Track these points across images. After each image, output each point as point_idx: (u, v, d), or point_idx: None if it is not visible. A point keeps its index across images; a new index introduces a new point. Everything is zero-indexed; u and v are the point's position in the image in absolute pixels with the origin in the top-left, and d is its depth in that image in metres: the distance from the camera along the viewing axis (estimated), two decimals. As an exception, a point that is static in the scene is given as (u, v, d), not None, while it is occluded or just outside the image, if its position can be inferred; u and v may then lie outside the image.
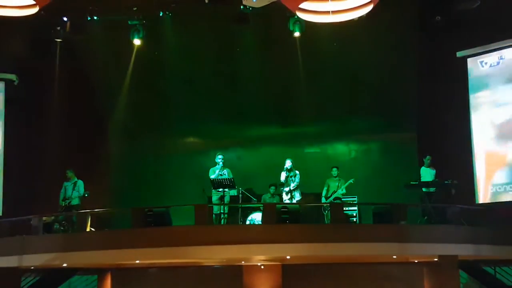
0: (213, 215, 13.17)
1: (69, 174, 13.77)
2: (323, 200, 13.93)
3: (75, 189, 13.62)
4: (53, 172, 14.28)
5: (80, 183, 13.70)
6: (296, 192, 13.59)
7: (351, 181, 13.85)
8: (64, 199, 13.60)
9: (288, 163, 13.63)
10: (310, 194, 14.81)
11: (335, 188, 13.96)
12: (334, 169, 14.16)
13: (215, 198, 13.50)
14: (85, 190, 13.64)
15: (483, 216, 13.30)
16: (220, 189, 13.27)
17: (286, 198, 13.59)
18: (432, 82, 15.57)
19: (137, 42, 15.47)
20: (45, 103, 15.95)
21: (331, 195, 13.89)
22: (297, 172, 13.68)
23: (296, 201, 13.49)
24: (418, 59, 15.37)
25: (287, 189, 13.61)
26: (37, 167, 15.38)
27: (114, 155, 17.04)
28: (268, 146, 17.19)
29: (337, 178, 14.07)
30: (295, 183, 13.58)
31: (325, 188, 14.08)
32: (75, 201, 13.57)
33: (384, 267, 13.19)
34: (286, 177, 13.58)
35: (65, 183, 13.74)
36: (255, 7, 14.09)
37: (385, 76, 15.59)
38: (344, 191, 13.92)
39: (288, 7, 8.77)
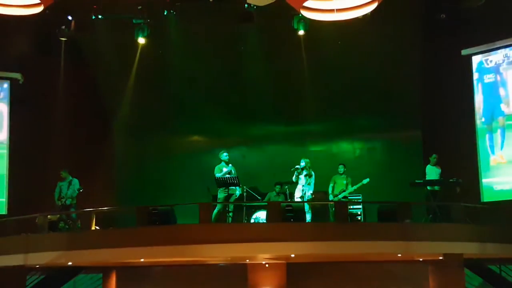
0: (217, 211, 13.12)
1: (64, 174, 13.83)
2: (331, 197, 13.89)
3: (70, 188, 13.68)
4: (58, 171, 14.28)
5: (75, 181, 13.76)
6: (308, 191, 13.50)
7: (364, 181, 13.68)
8: (60, 198, 13.66)
9: (302, 163, 13.55)
10: (314, 192, 14.80)
11: (343, 186, 13.89)
12: (341, 166, 14.05)
13: (221, 196, 13.45)
14: (80, 187, 13.73)
15: (488, 214, 13.27)
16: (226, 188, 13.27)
17: (297, 196, 13.50)
18: (437, 80, 15.55)
19: (141, 41, 15.46)
20: (50, 102, 15.97)
21: (339, 193, 13.85)
22: (312, 172, 13.52)
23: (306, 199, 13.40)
24: (423, 57, 15.34)
25: (300, 187, 13.52)
26: (42, 166, 15.41)
27: (119, 153, 17.08)
28: (272, 145, 17.19)
29: (343, 176, 14.01)
30: (310, 184, 13.48)
31: (331, 185, 14.01)
32: (69, 201, 13.62)
33: (389, 265, 13.18)
34: (296, 176, 13.50)
35: (60, 183, 13.81)
36: (259, 6, 14.09)
37: (390, 74, 15.57)
38: (351, 189, 13.86)
39: (292, 5, 8.77)
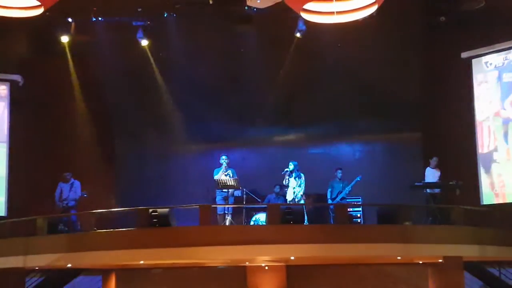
0: (217, 215, 13.16)
1: (68, 176, 13.82)
2: (330, 202, 13.90)
3: (72, 190, 13.68)
4: (58, 173, 14.28)
5: (77, 184, 13.75)
6: (299, 192, 13.51)
7: (358, 179, 13.74)
8: (61, 199, 13.65)
9: (290, 166, 13.57)
10: (314, 194, 14.80)
11: (340, 189, 13.93)
12: (339, 171, 14.09)
13: (218, 198, 13.50)
14: (82, 191, 13.69)
15: (488, 217, 13.27)
16: (225, 190, 13.28)
17: (289, 199, 13.53)
18: (436, 83, 15.57)
19: (142, 42, 15.50)
20: (49, 104, 15.98)
21: (336, 196, 13.86)
22: (301, 174, 13.61)
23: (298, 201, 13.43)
24: (423, 59, 15.35)
25: (290, 190, 13.54)
26: (41, 168, 15.41)
27: (119, 155, 17.06)
28: (272, 147, 17.19)
29: (341, 180, 14.03)
30: (301, 187, 13.50)
31: (329, 190, 14.04)
32: (71, 203, 13.61)
33: (388, 268, 13.16)
34: (287, 180, 13.53)
35: (61, 184, 13.80)
36: (259, 8, 14.10)
37: (389, 77, 15.57)
38: (347, 190, 13.86)
39: (292, 8, 8.76)
